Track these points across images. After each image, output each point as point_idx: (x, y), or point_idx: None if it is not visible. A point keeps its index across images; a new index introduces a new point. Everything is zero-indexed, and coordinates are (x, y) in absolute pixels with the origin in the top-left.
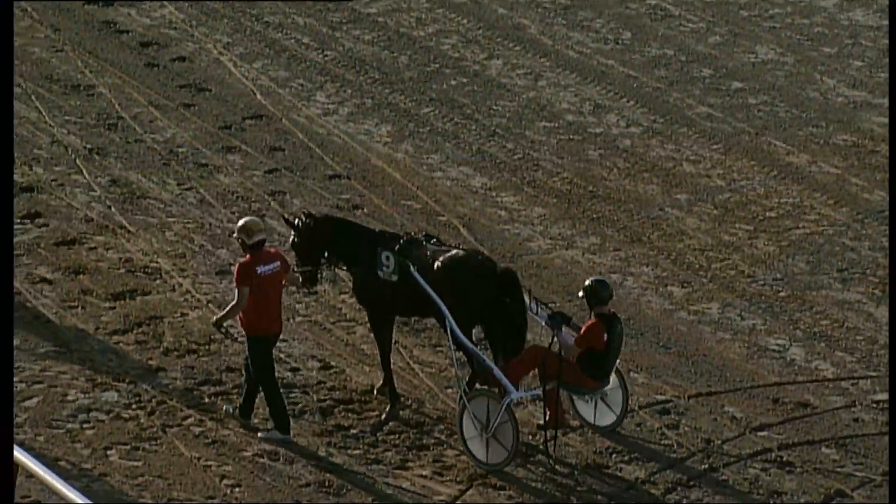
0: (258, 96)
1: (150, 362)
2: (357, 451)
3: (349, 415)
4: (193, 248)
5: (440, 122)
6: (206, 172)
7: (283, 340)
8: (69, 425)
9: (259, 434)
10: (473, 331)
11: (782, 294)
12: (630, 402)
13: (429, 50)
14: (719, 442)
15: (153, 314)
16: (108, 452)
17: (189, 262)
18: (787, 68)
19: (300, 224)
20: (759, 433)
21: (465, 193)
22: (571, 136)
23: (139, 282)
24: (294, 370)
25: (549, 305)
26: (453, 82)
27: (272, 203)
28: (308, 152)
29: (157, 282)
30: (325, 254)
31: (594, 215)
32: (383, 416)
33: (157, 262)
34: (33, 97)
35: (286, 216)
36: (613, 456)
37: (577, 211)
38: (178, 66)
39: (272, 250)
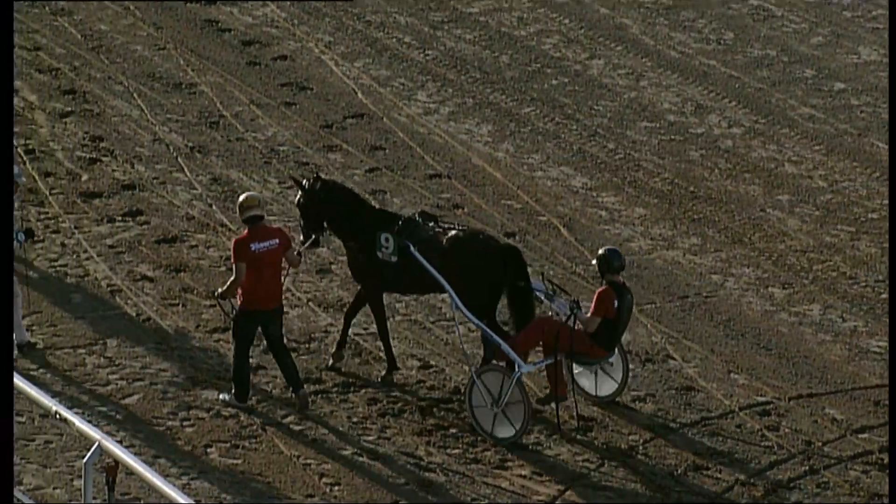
0: (359, 95)
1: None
2: (456, 451)
3: (448, 414)
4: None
5: (541, 122)
6: (307, 171)
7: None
8: (169, 423)
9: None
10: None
11: (884, 296)
12: (629, 368)
13: (530, 49)
14: (820, 444)
15: None
16: (208, 450)
17: None
18: (890, 69)
19: (307, 186)
20: (860, 435)
21: (566, 193)
22: (673, 137)
23: None
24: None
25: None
26: (554, 82)
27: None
28: (409, 151)
29: None
30: (326, 223)
31: (695, 216)
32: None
33: None
34: (135, 95)
35: (295, 176)
36: (713, 457)
37: (678, 211)
38: (280, 64)
39: (273, 227)
